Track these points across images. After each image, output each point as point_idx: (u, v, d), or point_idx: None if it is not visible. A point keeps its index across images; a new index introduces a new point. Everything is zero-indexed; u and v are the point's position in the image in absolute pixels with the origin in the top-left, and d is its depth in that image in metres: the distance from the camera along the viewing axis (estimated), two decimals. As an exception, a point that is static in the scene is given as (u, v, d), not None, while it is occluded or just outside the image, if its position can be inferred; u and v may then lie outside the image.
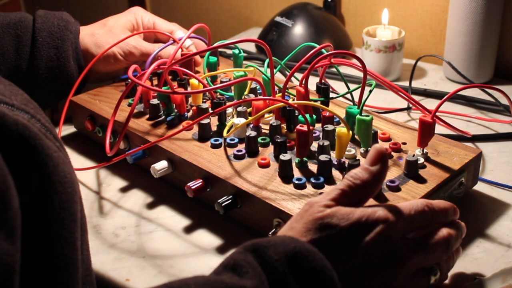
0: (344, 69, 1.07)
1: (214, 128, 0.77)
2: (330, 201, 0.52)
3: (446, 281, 0.61)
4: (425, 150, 0.70)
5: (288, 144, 0.72)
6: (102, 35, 0.88)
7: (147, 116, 0.81)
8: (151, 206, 0.74)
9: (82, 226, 0.50)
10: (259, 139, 0.73)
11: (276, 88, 0.79)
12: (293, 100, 0.81)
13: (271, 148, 0.73)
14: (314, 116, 0.76)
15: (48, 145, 0.44)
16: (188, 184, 0.68)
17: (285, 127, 0.76)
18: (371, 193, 0.54)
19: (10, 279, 0.38)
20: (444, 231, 0.54)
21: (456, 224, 0.57)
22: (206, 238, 0.68)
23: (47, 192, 0.44)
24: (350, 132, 0.67)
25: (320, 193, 0.64)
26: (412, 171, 0.67)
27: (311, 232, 0.50)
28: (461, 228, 0.57)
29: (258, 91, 0.83)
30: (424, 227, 0.55)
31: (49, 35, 0.84)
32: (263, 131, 0.76)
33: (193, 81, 0.82)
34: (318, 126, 0.77)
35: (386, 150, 0.54)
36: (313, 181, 0.66)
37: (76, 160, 0.83)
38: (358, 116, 0.70)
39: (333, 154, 0.70)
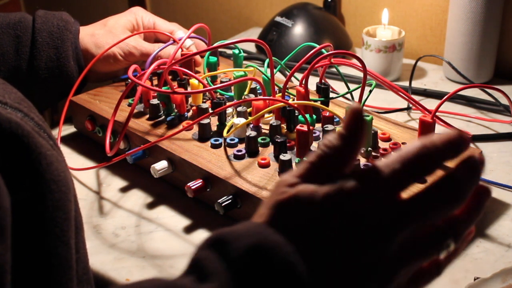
0: (344, 69, 1.07)
1: (214, 128, 0.77)
2: (295, 178, 0.45)
3: (446, 280, 0.61)
4: (425, 150, 0.70)
5: (288, 144, 0.72)
6: (102, 36, 0.88)
7: (147, 116, 0.81)
8: (151, 206, 0.74)
9: (78, 225, 0.50)
10: (259, 139, 0.73)
11: (276, 88, 0.79)
12: (293, 100, 0.81)
13: (271, 148, 0.73)
14: (314, 116, 0.76)
15: (41, 143, 0.44)
16: (188, 184, 0.68)
17: (285, 127, 0.76)
18: (345, 163, 0.45)
19: (0, 279, 0.38)
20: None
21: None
22: (206, 238, 0.68)
23: (41, 190, 0.44)
24: (350, 132, 0.67)
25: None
26: (412, 171, 0.67)
27: (275, 219, 0.44)
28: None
29: (258, 91, 0.83)
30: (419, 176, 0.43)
31: (49, 36, 0.84)
32: (263, 131, 0.76)
33: (193, 81, 0.82)
34: (318, 126, 0.77)
35: (362, 110, 0.46)
36: (313, 181, 0.66)
37: (76, 160, 0.83)
38: (358, 116, 0.70)
39: (333, 154, 0.70)
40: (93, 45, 0.87)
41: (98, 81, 0.92)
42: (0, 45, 0.83)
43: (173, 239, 0.68)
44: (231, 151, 0.72)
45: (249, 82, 0.81)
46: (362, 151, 0.71)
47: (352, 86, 0.90)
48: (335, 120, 0.76)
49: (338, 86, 1.00)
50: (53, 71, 0.85)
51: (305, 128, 0.66)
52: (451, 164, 0.68)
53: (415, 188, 0.64)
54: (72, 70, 0.86)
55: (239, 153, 0.71)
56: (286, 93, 0.78)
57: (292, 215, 0.43)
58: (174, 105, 0.80)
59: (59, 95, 0.88)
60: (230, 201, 0.66)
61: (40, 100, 0.87)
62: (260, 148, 0.73)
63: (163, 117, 0.80)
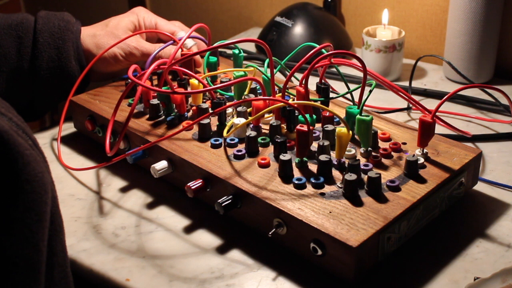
0: (344, 69, 1.07)
1: (214, 128, 0.77)
2: None
3: (446, 280, 0.61)
4: (425, 150, 0.70)
5: (288, 144, 0.72)
6: (103, 37, 0.88)
7: (147, 116, 0.81)
8: (151, 206, 0.74)
9: (57, 227, 0.50)
10: (259, 139, 0.73)
11: (276, 88, 0.79)
12: (293, 100, 0.81)
13: (271, 148, 0.73)
14: (314, 116, 0.76)
15: (19, 142, 0.44)
16: (188, 184, 0.68)
17: (285, 127, 0.76)
18: None
19: None
20: None
21: None
22: (206, 238, 0.68)
23: (13, 190, 0.44)
24: (350, 132, 0.67)
25: (321, 193, 0.64)
26: (412, 171, 0.67)
27: None
28: None
29: (258, 91, 0.83)
30: None
31: (50, 36, 0.84)
32: (263, 131, 0.76)
33: (193, 81, 0.82)
34: (318, 126, 0.77)
35: None
36: (313, 181, 0.66)
37: (76, 160, 0.83)
38: (358, 116, 0.70)
39: (333, 154, 0.70)
40: (94, 46, 0.88)
41: (100, 80, 0.92)
42: (2, 46, 0.83)
43: (173, 239, 0.68)
44: (231, 151, 0.72)
45: (249, 82, 0.81)
46: (362, 151, 0.71)
47: (352, 86, 0.90)
48: (335, 120, 0.76)
49: (338, 86, 1.00)
50: (55, 71, 0.85)
51: (305, 128, 0.66)
52: (451, 164, 0.69)
53: (415, 187, 0.65)
54: (74, 70, 0.86)
55: (239, 153, 0.71)
56: (286, 93, 0.78)
57: None
58: (174, 105, 0.80)
59: (61, 95, 0.88)
60: (230, 201, 0.66)
61: (42, 101, 0.87)
62: (260, 148, 0.73)
63: (163, 117, 0.80)
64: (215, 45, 0.76)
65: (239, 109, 0.77)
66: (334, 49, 0.78)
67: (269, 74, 0.78)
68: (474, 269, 0.63)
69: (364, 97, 0.72)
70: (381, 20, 1.06)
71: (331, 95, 0.84)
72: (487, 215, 0.71)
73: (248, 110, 0.78)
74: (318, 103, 0.72)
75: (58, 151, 0.83)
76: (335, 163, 0.69)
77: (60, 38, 0.85)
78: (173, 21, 0.95)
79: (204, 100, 0.84)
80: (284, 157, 0.67)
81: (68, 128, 0.91)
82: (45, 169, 0.47)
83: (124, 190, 0.77)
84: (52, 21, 0.85)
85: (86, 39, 0.88)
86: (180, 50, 0.87)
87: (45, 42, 0.84)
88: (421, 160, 0.69)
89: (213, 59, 0.90)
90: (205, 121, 0.75)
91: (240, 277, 0.63)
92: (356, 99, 0.78)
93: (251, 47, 1.20)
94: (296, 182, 0.66)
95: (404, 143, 0.73)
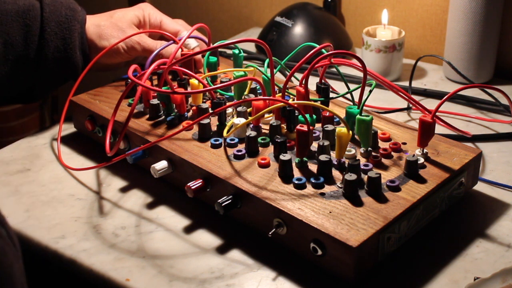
0: (344, 69, 1.07)
1: (214, 128, 0.77)
2: None
3: (446, 280, 0.61)
4: (425, 150, 0.70)
5: (288, 144, 0.72)
6: (107, 27, 0.88)
7: (147, 116, 0.81)
8: (151, 206, 0.74)
9: None
10: (259, 139, 0.73)
11: (276, 88, 0.79)
12: (293, 100, 0.81)
13: (271, 148, 0.73)
14: (314, 116, 0.76)
15: None
16: (188, 184, 0.68)
17: (285, 127, 0.76)
18: None
19: None
20: None
21: None
22: (206, 238, 0.68)
23: None
24: (350, 132, 0.67)
25: (321, 193, 0.64)
26: (412, 171, 0.67)
27: None
28: None
29: (258, 91, 0.83)
30: None
31: (57, 25, 0.84)
32: (263, 131, 0.76)
33: (193, 81, 0.82)
34: (318, 126, 0.77)
35: None
36: (313, 181, 0.66)
37: (76, 160, 0.83)
38: (358, 116, 0.70)
39: (333, 154, 0.70)
40: (96, 36, 0.88)
41: (98, 71, 0.92)
42: (9, 34, 0.82)
43: (173, 239, 0.68)
44: (231, 151, 0.72)
45: (249, 82, 0.81)
46: (362, 151, 0.71)
47: (352, 86, 0.90)
48: (335, 120, 0.76)
49: (338, 86, 1.00)
50: (60, 61, 0.85)
51: (305, 128, 0.66)
52: (451, 164, 0.69)
53: (415, 187, 0.65)
54: (78, 60, 0.86)
55: (239, 153, 0.71)
56: (286, 93, 0.78)
57: None
58: (174, 105, 0.80)
59: (62, 82, 0.88)
60: (230, 201, 0.66)
61: (42, 87, 0.87)
62: (260, 148, 0.73)
63: (163, 117, 0.80)
64: (215, 45, 0.76)
65: (239, 109, 0.77)
66: (334, 49, 0.78)
67: (269, 74, 0.78)
68: (474, 269, 0.63)
69: (364, 97, 0.72)
70: (381, 20, 1.06)
71: (331, 95, 0.84)
72: (487, 215, 0.71)
73: (248, 110, 0.78)
74: (318, 103, 0.72)
75: (58, 151, 0.83)
76: (335, 163, 0.69)
77: (67, 29, 0.84)
78: (177, 20, 0.96)
79: (204, 100, 0.84)
80: (284, 157, 0.67)
81: (68, 128, 0.91)
82: (15, 260, 0.43)
83: (124, 190, 0.77)
84: (59, 9, 0.85)
85: (90, 28, 0.88)
86: (180, 50, 0.87)
87: (52, 31, 0.84)
88: (421, 160, 0.69)
89: (213, 59, 0.90)
90: (205, 121, 0.75)
91: (240, 277, 0.63)
92: (356, 99, 0.78)
93: (251, 47, 1.20)
94: (296, 182, 0.66)
95: (404, 143, 0.73)
